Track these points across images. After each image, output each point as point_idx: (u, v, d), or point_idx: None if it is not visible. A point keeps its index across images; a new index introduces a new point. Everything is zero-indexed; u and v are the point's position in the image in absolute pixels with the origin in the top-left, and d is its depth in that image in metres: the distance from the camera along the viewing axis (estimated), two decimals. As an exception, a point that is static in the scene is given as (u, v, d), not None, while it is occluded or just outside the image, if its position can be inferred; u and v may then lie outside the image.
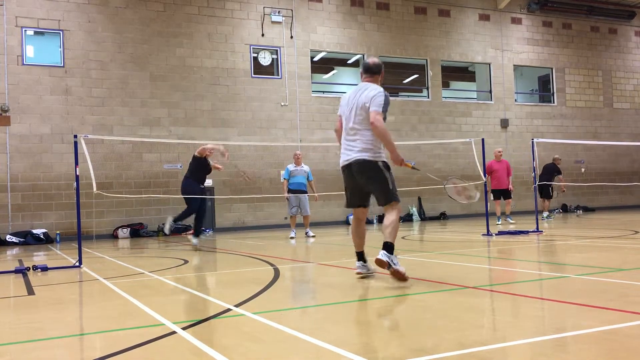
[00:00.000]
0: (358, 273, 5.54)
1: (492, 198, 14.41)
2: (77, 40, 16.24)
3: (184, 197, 10.43)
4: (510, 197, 14.80)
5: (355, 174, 5.35)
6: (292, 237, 12.26)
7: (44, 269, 7.45)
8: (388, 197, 5.24)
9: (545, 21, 23.19)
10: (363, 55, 19.92)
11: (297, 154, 12.66)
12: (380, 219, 18.30)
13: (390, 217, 5.18)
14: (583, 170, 23.02)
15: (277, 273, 6.35)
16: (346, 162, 5.38)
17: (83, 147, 8.20)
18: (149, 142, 16.17)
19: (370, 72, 5.51)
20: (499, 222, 14.37)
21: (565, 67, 23.40)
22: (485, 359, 2.71)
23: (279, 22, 18.67)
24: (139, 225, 16.23)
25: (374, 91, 5.26)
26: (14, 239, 14.63)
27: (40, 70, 15.83)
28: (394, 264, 4.96)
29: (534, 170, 11.69)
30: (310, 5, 19.16)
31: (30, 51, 16.11)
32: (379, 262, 4.97)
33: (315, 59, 19.69)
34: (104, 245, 12.78)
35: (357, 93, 5.39)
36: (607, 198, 23.66)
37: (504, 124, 21.87)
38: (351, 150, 5.34)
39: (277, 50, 18.66)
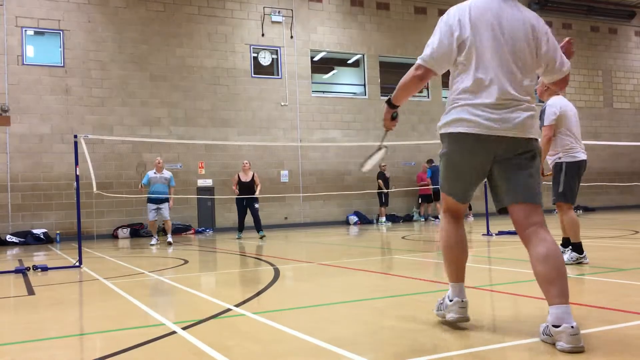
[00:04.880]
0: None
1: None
2: (77, 40, 16.24)
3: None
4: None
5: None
6: (152, 245, 12.17)
7: (44, 269, 7.45)
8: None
9: (545, 21, 23.00)
10: (363, 55, 19.90)
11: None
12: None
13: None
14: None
15: (277, 273, 6.35)
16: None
17: (83, 147, 8.20)
18: (149, 142, 16.16)
19: None
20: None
21: (565, 67, 23.37)
22: (485, 359, 2.71)
23: (279, 22, 18.66)
24: (139, 225, 16.22)
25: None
26: (14, 239, 14.62)
27: (40, 70, 15.83)
28: None
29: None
30: (310, 5, 19.15)
31: (30, 51, 16.09)
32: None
33: (315, 59, 19.68)
34: (104, 245, 12.78)
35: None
36: (607, 198, 23.64)
37: (504, 124, 21.85)
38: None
39: (277, 50, 18.66)
